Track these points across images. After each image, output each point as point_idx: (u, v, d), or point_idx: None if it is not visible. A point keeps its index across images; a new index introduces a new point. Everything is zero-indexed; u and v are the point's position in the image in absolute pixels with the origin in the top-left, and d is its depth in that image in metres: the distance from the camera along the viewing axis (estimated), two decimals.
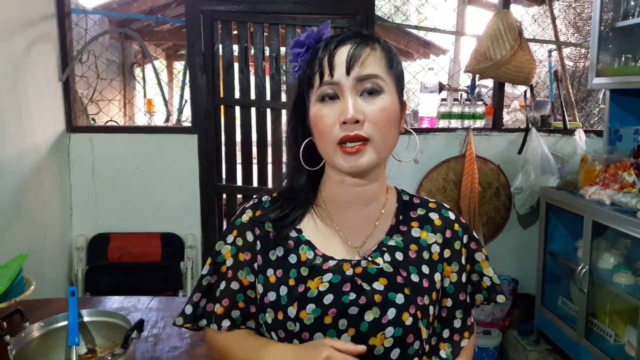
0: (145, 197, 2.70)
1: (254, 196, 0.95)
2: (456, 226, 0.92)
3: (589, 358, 2.19)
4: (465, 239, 0.92)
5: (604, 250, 2.26)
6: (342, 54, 0.82)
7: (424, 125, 2.82)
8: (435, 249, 0.89)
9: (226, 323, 0.88)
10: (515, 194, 2.75)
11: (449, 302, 0.89)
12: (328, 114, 0.82)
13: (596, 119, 3.67)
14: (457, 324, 0.89)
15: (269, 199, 0.93)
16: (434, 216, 0.92)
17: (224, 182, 2.76)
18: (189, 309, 0.91)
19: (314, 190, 0.93)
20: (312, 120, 0.85)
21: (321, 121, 0.82)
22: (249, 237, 0.89)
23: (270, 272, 0.86)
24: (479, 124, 2.83)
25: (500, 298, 0.92)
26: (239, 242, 0.90)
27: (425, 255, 0.88)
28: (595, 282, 2.23)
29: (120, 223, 2.70)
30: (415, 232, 0.90)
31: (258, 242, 0.89)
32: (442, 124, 2.83)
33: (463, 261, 0.91)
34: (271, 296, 0.84)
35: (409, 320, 0.81)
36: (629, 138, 2.51)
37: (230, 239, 0.91)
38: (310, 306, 0.81)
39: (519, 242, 2.93)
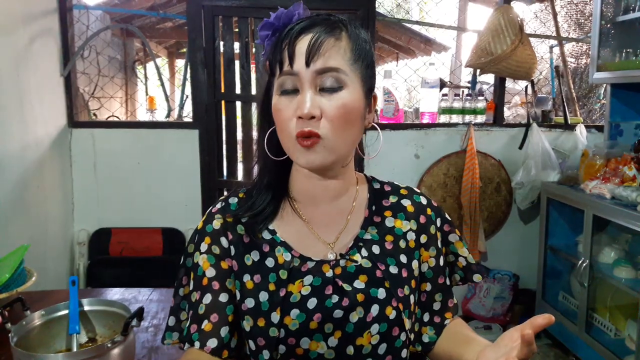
0: (146, 192, 2.70)
1: (219, 199, 0.91)
2: (429, 210, 0.91)
3: (590, 352, 2.19)
4: (438, 222, 0.91)
5: (605, 245, 2.27)
6: (304, 43, 0.76)
7: (425, 121, 2.82)
8: (411, 236, 0.87)
9: (213, 343, 0.80)
10: (516, 189, 2.75)
11: (428, 287, 0.89)
12: (286, 107, 0.78)
13: (597, 115, 3.66)
14: (436, 306, 0.90)
15: (236, 200, 0.89)
16: (406, 203, 0.90)
17: (225, 177, 2.77)
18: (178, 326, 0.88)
19: (284, 184, 0.88)
20: (273, 111, 0.81)
21: (279, 114, 0.79)
22: (224, 243, 0.85)
23: (246, 277, 0.82)
24: (480, 119, 2.83)
25: (477, 277, 0.92)
26: (216, 250, 0.84)
27: (402, 244, 0.86)
28: (596, 276, 2.23)
29: (122, 218, 2.70)
30: (390, 221, 0.88)
31: (232, 247, 0.84)
32: (443, 119, 2.83)
33: (439, 244, 0.90)
34: (249, 303, 0.81)
35: (392, 314, 0.80)
36: (629, 133, 2.51)
37: (204, 247, 0.85)
38: (295, 311, 0.78)
39: (519, 237, 2.92)
